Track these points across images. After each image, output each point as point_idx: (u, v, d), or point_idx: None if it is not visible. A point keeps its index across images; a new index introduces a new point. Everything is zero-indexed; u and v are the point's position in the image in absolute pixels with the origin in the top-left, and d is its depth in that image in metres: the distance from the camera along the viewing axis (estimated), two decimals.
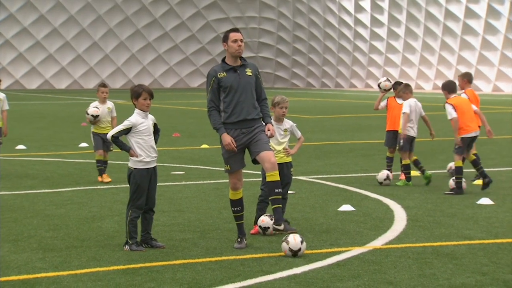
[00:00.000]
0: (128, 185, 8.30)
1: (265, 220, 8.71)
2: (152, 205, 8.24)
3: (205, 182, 13.19)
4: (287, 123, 9.16)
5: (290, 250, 7.62)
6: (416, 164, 13.00)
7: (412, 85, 67.10)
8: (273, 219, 8.12)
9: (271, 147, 8.35)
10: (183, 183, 13.05)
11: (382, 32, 68.55)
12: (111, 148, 13.41)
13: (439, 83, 64.77)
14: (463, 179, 11.89)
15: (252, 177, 13.57)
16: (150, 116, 8.33)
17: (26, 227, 9.24)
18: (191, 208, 10.55)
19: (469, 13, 60.80)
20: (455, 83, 12.66)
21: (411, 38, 66.36)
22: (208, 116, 8.13)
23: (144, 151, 8.14)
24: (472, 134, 12.33)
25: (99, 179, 13.20)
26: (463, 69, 62.63)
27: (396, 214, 9.95)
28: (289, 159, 9.11)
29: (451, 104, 12.21)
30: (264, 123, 8.15)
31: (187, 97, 52.76)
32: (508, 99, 46.39)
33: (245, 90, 8.03)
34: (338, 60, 73.06)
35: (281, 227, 8.04)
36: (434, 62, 64.89)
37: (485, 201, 10.74)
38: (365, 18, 69.59)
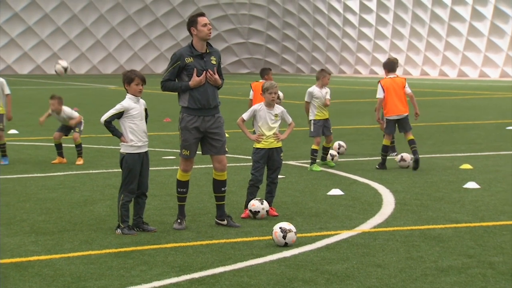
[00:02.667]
0: (120, 170, 8.28)
1: (256, 204, 8.72)
2: (144, 190, 8.23)
3: (195, 166, 13.14)
4: (278, 109, 9.14)
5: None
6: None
7: (400, 71, 67.37)
8: (218, 215, 8.28)
9: (270, 134, 8.81)
10: (175, 167, 13.03)
11: (371, 18, 68.48)
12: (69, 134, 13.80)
13: (427, 69, 65.08)
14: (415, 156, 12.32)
15: (242, 161, 13.57)
16: (142, 101, 8.30)
17: (19, 211, 9.21)
18: None
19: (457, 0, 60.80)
20: (394, 63, 13.04)
21: (399, 25, 66.33)
22: (164, 86, 8.19)
23: (136, 136, 8.12)
24: (395, 117, 12.77)
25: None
26: (451, 55, 62.87)
27: (385, 198, 9.98)
28: (280, 144, 9.10)
29: (382, 85, 12.79)
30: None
31: None
32: (494, 85, 46.54)
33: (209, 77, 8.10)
34: (327, 46, 72.97)
35: (224, 222, 8.19)
36: (422, 48, 64.92)
37: (471, 185, 10.78)
38: (354, 4, 69.47)
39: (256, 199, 8.79)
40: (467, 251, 7.18)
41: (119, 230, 7.98)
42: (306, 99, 12.95)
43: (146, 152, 8.23)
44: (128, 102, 8.15)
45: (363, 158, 14.02)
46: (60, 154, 13.68)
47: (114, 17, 72.64)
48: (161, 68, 75.27)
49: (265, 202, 8.77)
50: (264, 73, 13.54)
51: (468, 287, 6.07)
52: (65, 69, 13.77)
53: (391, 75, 12.99)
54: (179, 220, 8.28)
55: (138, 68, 71.70)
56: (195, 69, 8.06)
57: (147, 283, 6.23)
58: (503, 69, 59.17)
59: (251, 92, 13.58)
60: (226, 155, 8.40)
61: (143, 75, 8.23)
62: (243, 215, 8.84)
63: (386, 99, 12.85)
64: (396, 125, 13.00)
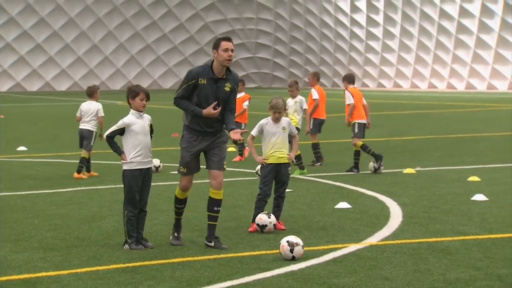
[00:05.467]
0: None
1: (263, 218, 8.73)
2: (143, 206, 8.17)
3: (203, 181, 13.17)
4: (284, 121, 9.26)
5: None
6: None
7: (408, 83, 67.44)
8: (208, 236, 8.09)
9: (280, 147, 8.91)
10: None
11: (378, 32, 68.57)
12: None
13: (435, 82, 65.01)
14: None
15: (250, 176, 13.58)
16: (146, 116, 8.29)
17: (27, 227, 9.24)
18: (190, 207, 10.53)
19: (464, 12, 60.82)
20: (354, 76, 14.94)
21: (406, 38, 66.37)
22: (177, 103, 8.00)
23: (139, 151, 8.05)
24: (365, 121, 14.26)
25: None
26: (458, 68, 62.78)
27: (392, 211, 9.97)
28: (287, 159, 9.16)
29: (351, 92, 14.17)
30: (227, 130, 8.09)
31: None
32: (502, 97, 46.44)
33: (218, 102, 7.94)
34: (334, 60, 73.08)
35: (212, 244, 8.00)
36: (429, 61, 64.90)
37: (479, 197, 10.76)
38: (361, 18, 69.61)
39: (264, 213, 8.80)
40: (475, 263, 7.15)
41: (126, 246, 7.98)
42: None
43: (148, 169, 8.18)
44: (130, 118, 8.12)
45: (370, 172, 13.99)
46: (88, 168, 13.91)
47: (123, 34, 73.00)
48: (169, 83, 75.54)
49: (272, 216, 8.78)
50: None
51: None
52: None
53: (352, 86, 14.36)
54: (175, 234, 8.26)
55: (146, 84, 71.99)
56: (214, 102, 7.85)
57: None
58: (511, 81, 59.04)
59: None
60: (226, 171, 8.24)
61: (147, 91, 8.26)
62: (250, 229, 8.84)
63: (356, 106, 14.13)
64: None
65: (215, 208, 8.10)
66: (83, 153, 13.84)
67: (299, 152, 13.90)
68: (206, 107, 7.93)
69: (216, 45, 7.99)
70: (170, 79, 75.80)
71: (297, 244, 7.37)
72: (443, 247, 7.83)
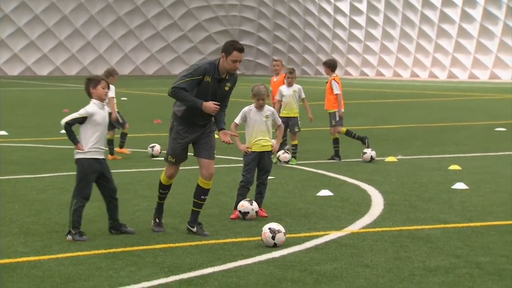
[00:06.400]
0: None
1: (245, 205, 8.74)
2: (113, 193, 8.01)
3: (185, 168, 13.15)
4: (268, 110, 9.26)
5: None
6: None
7: (391, 72, 67.63)
8: (192, 220, 8.07)
9: (264, 135, 8.90)
10: (164, 168, 13.01)
11: (361, 20, 68.61)
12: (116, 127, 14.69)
13: (417, 71, 65.25)
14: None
15: (232, 163, 13.58)
16: (106, 107, 8.12)
17: (8, 212, 9.19)
18: (172, 193, 10.48)
19: (446, 2, 61.00)
20: (336, 63, 14.41)
21: (389, 26, 66.48)
22: (176, 93, 7.84)
23: (97, 142, 7.87)
24: (343, 109, 14.16)
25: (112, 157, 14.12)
26: (440, 57, 63.05)
27: (374, 198, 10.01)
28: (270, 147, 9.17)
29: (337, 81, 13.97)
30: (217, 129, 8.04)
31: (169, 84, 52.49)
32: (483, 86, 46.72)
33: (216, 100, 7.90)
34: (318, 48, 73.07)
35: (194, 229, 8.00)
36: (412, 50, 65.09)
37: (460, 186, 10.83)
38: (344, 6, 69.60)
39: (246, 200, 8.81)
40: (454, 251, 7.21)
41: (70, 236, 7.72)
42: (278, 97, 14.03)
43: (104, 159, 8.00)
44: (93, 107, 7.89)
45: (352, 160, 14.06)
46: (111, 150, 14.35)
47: (105, 19, 72.47)
48: (152, 69, 75.14)
49: (254, 203, 8.79)
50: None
51: (455, 287, 6.10)
52: None
53: (334, 74, 14.09)
54: (157, 220, 8.23)
55: (129, 70, 71.62)
56: (212, 103, 7.79)
57: (136, 284, 6.23)
58: (492, 71, 59.41)
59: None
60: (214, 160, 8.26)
61: (107, 80, 8.15)
62: (232, 216, 8.85)
63: (341, 95, 14.15)
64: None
65: (202, 197, 8.11)
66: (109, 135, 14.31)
67: (296, 142, 13.84)
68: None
69: (227, 51, 7.79)
70: (152, 65, 75.41)
71: (279, 231, 7.39)
72: (423, 235, 7.88)
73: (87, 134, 7.86)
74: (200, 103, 7.82)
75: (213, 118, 8.07)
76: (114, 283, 6.26)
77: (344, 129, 14.22)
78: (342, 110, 14.13)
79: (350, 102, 28.91)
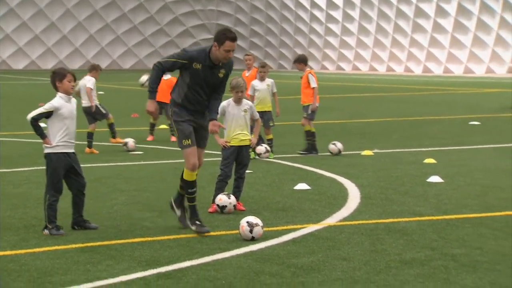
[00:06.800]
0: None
1: (223, 198, 8.74)
2: (81, 188, 7.92)
3: (163, 161, 13.15)
4: (246, 104, 9.26)
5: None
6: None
7: (367, 66, 67.88)
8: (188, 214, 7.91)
9: (242, 129, 8.85)
10: (142, 162, 12.98)
11: (338, 15, 68.78)
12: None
13: (393, 65, 65.56)
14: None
15: (210, 156, 13.57)
16: (74, 100, 7.95)
17: None
18: (150, 187, 10.51)
19: None
20: (307, 58, 14.58)
21: (365, 21, 66.72)
22: (156, 68, 7.67)
23: (65, 136, 7.75)
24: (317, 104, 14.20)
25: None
26: (416, 51, 63.40)
27: (350, 192, 10.06)
28: (249, 141, 9.17)
29: (313, 75, 14.08)
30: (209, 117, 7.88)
31: None
32: (458, 81, 47.10)
33: (208, 88, 7.74)
34: (294, 42, 73.13)
35: (193, 227, 7.74)
36: (388, 44, 65.39)
37: (435, 179, 10.92)
38: (321, 1, 69.71)
39: (224, 194, 8.81)
40: (430, 243, 7.27)
41: (46, 231, 7.65)
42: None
43: (74, 153, 7.89)
44: (59, 101, 7.75)
45: (329, 153, 14.10)
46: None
47: (80, 13, 71.88)
48: (129, 63, 74.74)
49: (232, 197, 8.79)
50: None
51: (430, 279, 6.16)
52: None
53: (308, 68, 14.20)
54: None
55: (106, 63, 71.14)
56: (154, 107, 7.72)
57: (113, 278, 6.21)
58: (466, 65, 59.89)
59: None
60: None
61: (74, 73, 7.97)
62: (210, 210, 8.85)
63: (317, 89, 14.14)
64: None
65: (190, 190, 7.83)
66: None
67: (271, 136, 13.90)
68: (197, 89, 7.69)
69: (219, 41, 7.54)
70: (130, 59, 74.99)
71: (256, 225, 7.40)
72: (399, 228, 7.94)
73: (55, 128, 7.74)
74: (152, 96, 7.71)
75: (213, 115, 7.85)
76: (92, 277, 6.24)
77: (312, 128, 14.05)
78: (317, 104, 14.15)
79: (326, 97, 29.00)
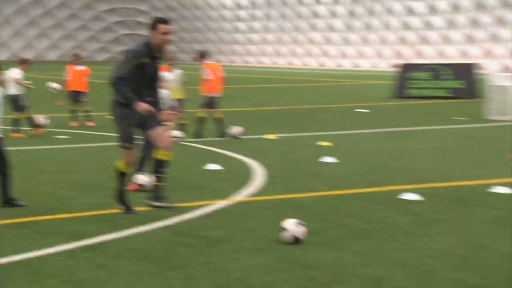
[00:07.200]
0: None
1: (141, 177, 8.64)
2: (5, 169, 7.65)
3: (88, 145, 12.86)
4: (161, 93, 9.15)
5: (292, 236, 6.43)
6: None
7: (285, 60, 68.38)
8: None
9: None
10: (66, 146, 12.65)
11: (244, 13, 68.84)
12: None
13: (292, 59, 66.37)
14: None
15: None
16: (1, 89, 7.70)
17: None
18: (76, 169, 10.27)
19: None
20: (208, 52, 14.80)
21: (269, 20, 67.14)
22: (117, 88, 7.18)
23: None
24: (218, 95, 14.32)
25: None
26: (312, 48, 64.30)
27: (258, 172, 10.15)
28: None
29: (209, 68, 14.18)
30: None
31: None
32: (348, 73, 48.17)
33: (153, 80, 7.43)
34: (205, 39, 72.79)
35: (163, 203, 7.62)
36: (289, 41, 66.12)
37: (329, 159, 11.16)
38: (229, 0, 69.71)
39: (141, 173, 8.71)
40: (325, 216, 7.44)
41: None
42: None
43: (1, 137, 7.65)
44: None
45: (238, 137, 14.15)
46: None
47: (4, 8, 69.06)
48: (54, 55, 72.44)
49: (151, 176, 8.66)
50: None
51: (326, 246, 6.30)
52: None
53: (209, 62, 14.28)
54: (130, 206, 7.46)
55: (31, 55, 68.67)
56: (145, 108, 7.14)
57: (42, 250, 6.04)
58: (352, 61, 61.40)
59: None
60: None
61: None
62: (130, 188, 8.71)
63: (212, 80, 14.17)
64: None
65: (160, 170, 7.57)
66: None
67: (186, 122, 13.89)
68: (146, 86, 7.32)
69: (153, 28, 7.22)
70: (53, 52, 72.74)
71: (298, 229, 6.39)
72: (298, 203, 8.08)
73: None
74: (135, 102, 7.19)
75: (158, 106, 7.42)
76: (21, 250, 6.05)
77: (203, 115, 14.10)
78: (213, 95, 14.20)
79: (235, 87, 29.08)
